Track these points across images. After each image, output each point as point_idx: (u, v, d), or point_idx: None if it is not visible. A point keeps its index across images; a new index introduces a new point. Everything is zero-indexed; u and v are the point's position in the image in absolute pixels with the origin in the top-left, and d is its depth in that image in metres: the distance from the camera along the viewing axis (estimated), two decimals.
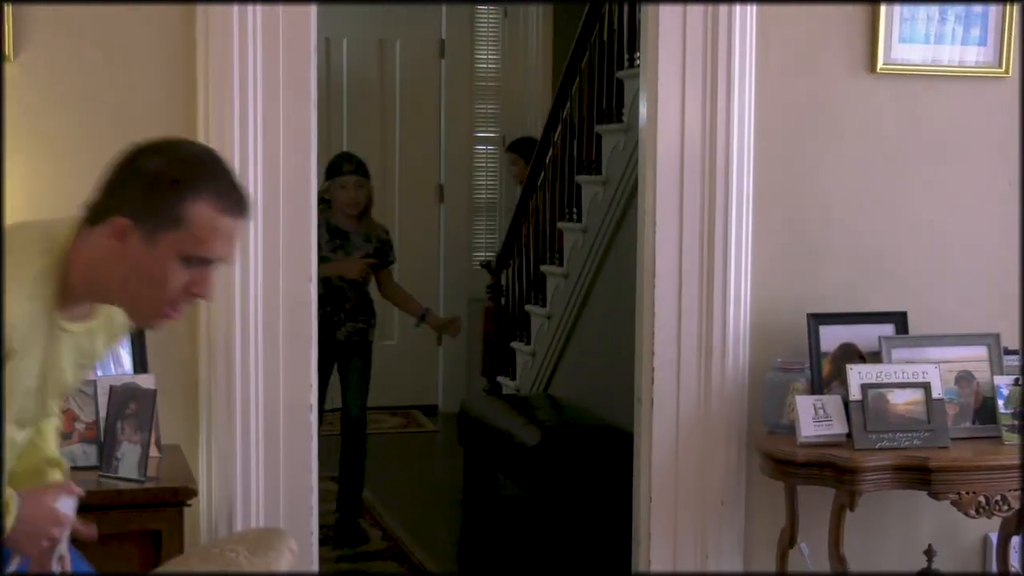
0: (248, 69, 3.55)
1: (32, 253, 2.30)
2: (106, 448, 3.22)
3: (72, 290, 2.35)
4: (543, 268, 7.18)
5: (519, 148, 7.67)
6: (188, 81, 3.56)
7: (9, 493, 2.32)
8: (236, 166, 3.52)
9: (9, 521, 2.30)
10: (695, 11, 3.84)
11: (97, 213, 2.33)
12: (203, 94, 3.54)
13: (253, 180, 3.55)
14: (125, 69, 3.54)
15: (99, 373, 3.37)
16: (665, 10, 3.84)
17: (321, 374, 5.09)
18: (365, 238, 5.96)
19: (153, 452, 3.20)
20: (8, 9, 3.41)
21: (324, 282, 5.48)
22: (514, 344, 7.63)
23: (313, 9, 3.62)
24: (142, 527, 3.11)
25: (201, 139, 3.53)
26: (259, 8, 3.54)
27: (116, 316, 2.52)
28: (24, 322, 2.24)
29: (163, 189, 2.27)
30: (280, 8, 3.56)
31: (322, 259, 5.05)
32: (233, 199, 2.36)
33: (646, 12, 3.93)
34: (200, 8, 3.51)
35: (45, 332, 2.32)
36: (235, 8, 3.51)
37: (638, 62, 4.74)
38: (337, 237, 5.86)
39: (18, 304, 2.22)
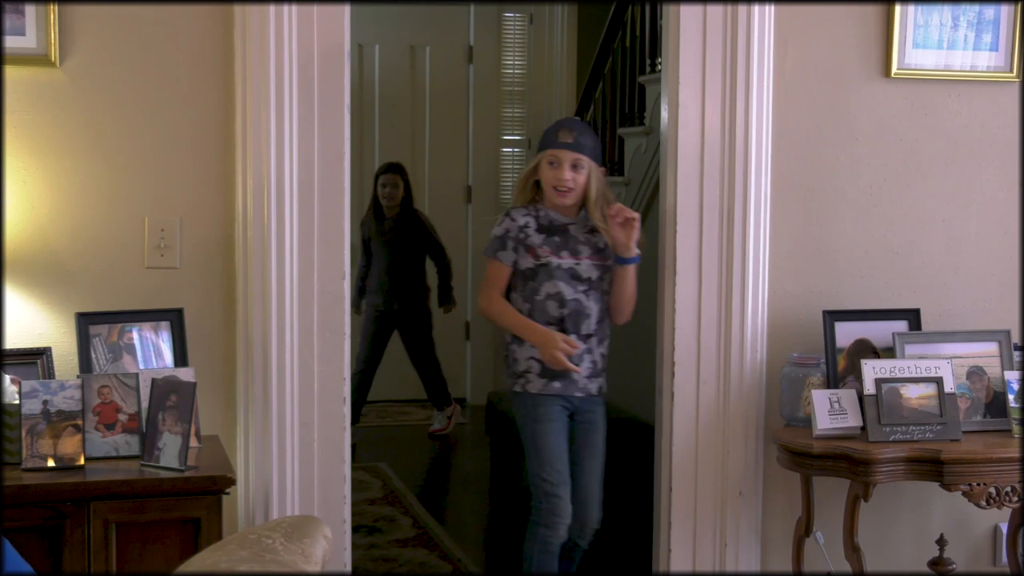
0: (284, 70, 3.55)
1: None
2: (148, 438, 3.23)
3: None
4: None
5: (399, 169, 7.43)
6: (227, 83, 3.57)
7: None
8: (272, 166, 3.54)
9: None
10: (715, 18, 3.83)
11: None
12: (240, 95, 3.55)
13: (288, 180, 3.57)
14: (165, 75, 3.55)
15: (141, 366, 3.40)
16: (686, 17, 3.83)
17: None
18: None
19: (193, 442, 3.21)
20: (54, 17, 3.43)
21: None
22: None
23: (346, 10, 3.64)
24: (182, 514, 3.12)
25: (239, 140, 3.56)
26: (294, 9, 3.55)
27: None
28: None
29: None
30: (315, 8, 3.57)
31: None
32: None
33: (667, 19, 3.93)
34: (237, 10, 3.52)
35: None
36: (271, 10, 3.52)
37: (659, 67, 4.74)
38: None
39: None
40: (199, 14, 3.54)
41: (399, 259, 7.25)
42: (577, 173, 3.86)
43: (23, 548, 3.00)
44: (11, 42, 3.41)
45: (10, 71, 3.43)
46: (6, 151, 3.45)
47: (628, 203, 6.10)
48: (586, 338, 3.94)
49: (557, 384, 3.94)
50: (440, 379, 7.73)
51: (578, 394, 4.00)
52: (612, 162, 6.51)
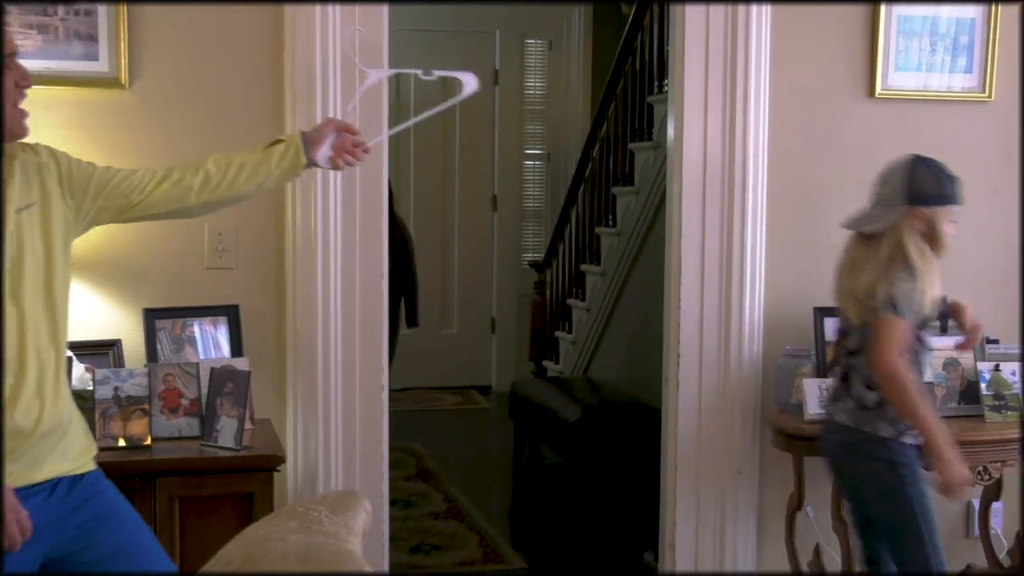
0: (329, 86, 3.56)
1: None
2: (207, 421, 3.24)
3: None
4: (583, 267, 7.18)
5: None
6: (277, 102, 3.57)
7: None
8: (319, 177, 3.54)
9: None
10: (716, 43, 3.83)
11: None
12: (290, 113, 3.54)
13: (333, 189, 3.57)
14: (221, 95, 3.56)
15: (201, 357, 3.41)
16: (690, 43, 3.83)
17: None
18: None
19: (247, 425, 3.21)
20: (124, 45, 3.44)
21: None
22: (558, 333, 7.63)
23: (384, 9, 3.64)
24: (238, 490, 3.13)
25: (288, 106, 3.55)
26: (339, 16, 3.55)
27: (16, 152, 2.50)
28: None
29: None
30: (356, 8, 3.57)
31: None
32: None
33: (673, 45, 3.92)
34: (288, 33, 3.53)
35: None
36: (317, 29, 3.52)
37: (666, 89, 4.72)
38: None
39: None
40: (252, 37, 3.55)
41: None
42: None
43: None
44: (85, 67, 3.43)
45: (85, 93, 3.45)
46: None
47: (638, 211, 6.12)
48: None
49: None
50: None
51: None
52: (624, 174, 6.50)
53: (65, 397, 2.51)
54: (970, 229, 4.06)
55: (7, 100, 2.36)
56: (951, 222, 3.22)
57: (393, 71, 3.57)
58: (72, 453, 2.53)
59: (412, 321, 6.18)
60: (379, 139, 3.32)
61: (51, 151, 2.57)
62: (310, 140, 2.81)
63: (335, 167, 2.86)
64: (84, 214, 2.61)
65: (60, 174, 2.55)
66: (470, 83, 3.32)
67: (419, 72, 3.41)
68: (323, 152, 2.82)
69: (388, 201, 5.43)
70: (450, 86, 6.61)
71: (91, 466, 2.60)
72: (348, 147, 2.85)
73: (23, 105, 2.45)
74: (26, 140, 2.53)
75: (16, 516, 2.34)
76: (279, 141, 2.81)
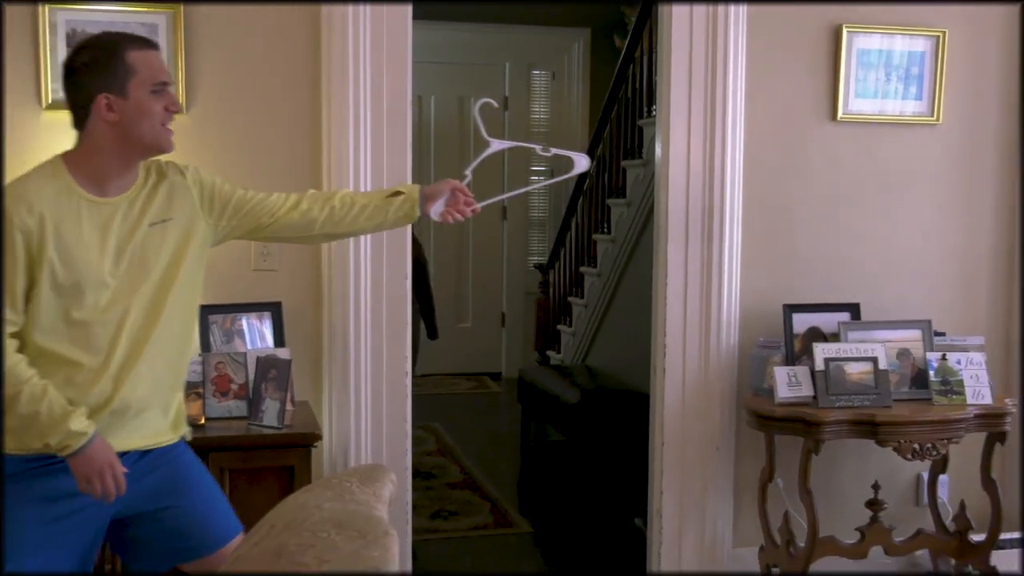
0: (360, 112, 3.56)
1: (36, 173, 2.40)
2: (253, 403, 3.25)
3: (106, 177, 2.39)
4: (582, 269, 7.17)
5: None
6: (315, 127, 3.57)
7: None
8: (351, 180, 3.55)
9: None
10: (698, 74, 3.82)
11: (77, 117, 2.39)
12: (326, 137, 3.55)
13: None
14: (265, 118, 3.56)
15: (248, 347, 3.42)
16: (675, 74, 3.83)
17: None
18: None
19: (288, 406, 3.22)
20: (182, 75, 3.44)
21: None
22: (560, 327, 7.63)
23: (408, 42, 3.62)
24: (280, 463, 3.14)
25: (324, 172, 3.56)
26: (369, 49, 3.55)
27: (167, 173, 2.54)
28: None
29: (108, 61, 2.34)
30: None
31: None
32: (143, 41, 2.43)
33: (661, 75, 3.92)
34: (324, 67, 3.53)
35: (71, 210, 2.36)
36: (351, 73, 3.53)
37: (654, 113, 4.72)
38: None
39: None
40: (290, 71, 3.55)
41: None
42: None
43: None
44: None
45: None
46: None
47: (629, 220, 6.12)
48: None
49: None
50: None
51: None
52: (617, 188, 6.49)
53: (146, 385, 2.49)
54: (920, 236, 4.08)
55: (158, 120, 2.40)
56: None
57: (513, 144, 3.52)
58: (144, 432, 2.53)
59: (432, 334, 5.92)
60: (494, 201, 3.34)
61: (197, 174, 2.59)
62: (427, 195, 2.80)
63: (444, 221, 2.85)
64: (220, 230, 2.64)
65: (202, 195, 2.57)
66: (581, 163, 3.31)
67: (537, 148, 3.44)
68: (437, 208, 2.82)
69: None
70: (463, 108, 6.45)
71: (166, 443, 2.59)
72: (460, 206, 2.86)
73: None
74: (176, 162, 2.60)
75: (112, 471, 2.36)
76: (398, 193, 2.79)
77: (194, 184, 2.57)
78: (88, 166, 2.38)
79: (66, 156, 2.41)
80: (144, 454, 2.52)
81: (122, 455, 2.43)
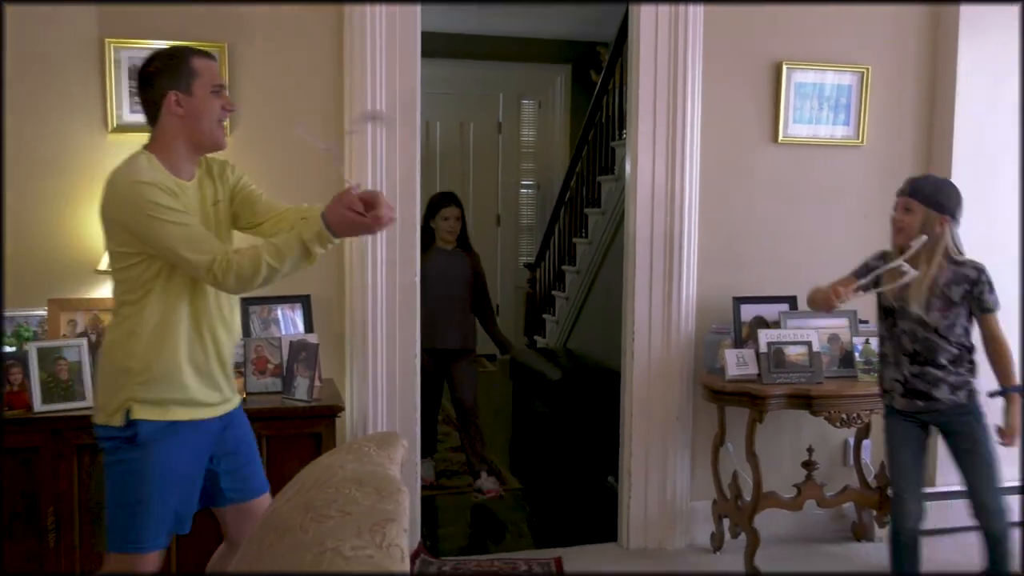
0: (379, 130, 3.55)
1: (135, 167, 2.36)
2: (287, 380, 3.25)
3: (178, 164, 2.41)
4: (563, 268, 7.18)
5: (459, 201, 4.85)
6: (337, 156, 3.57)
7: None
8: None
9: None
10: (661, 104, 3.83)
11: (151, 113, 2.42)
12: (348, 160, 3.55)
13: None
14: (296, 140, 3.56)
15: (282, 333, 3.41)
16: (642, 103, 3.83)
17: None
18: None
19: (316, 383, 3.22)
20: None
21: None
22: (545, 316, 7.64)
23: (418, 75, 3.60)
24: (309, 431, 3.14)
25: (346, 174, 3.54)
26: (385, 79, 3.54)
27: (211, 166, 2.55)
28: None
29: (177, 65, 2.38)
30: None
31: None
32: (204, 52, 2.46)
33: (630, 105, 3.92)
34: (346, 87, 3.52)
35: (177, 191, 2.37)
36: (368, 85, 3.52)
37: (624, 136, 4.72)
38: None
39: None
40: (317, 101, 3.54)
41: (451, 297, 4.64)
42: (906, 215, 2.97)
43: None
44: None
45: None
46: None
47: (604, 226, 6.11)
48: (942, 366, 3.02)
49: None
50: (479, 435, 4.80)
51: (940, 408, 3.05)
52: (594, 199, 6.50)
53: (229, 350, 2.54)
54: (847, 240, 4.09)
55: (215, 117, 2.42)
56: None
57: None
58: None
59: (504, 349, 5.11)
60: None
61: (232, 166, 2.61)
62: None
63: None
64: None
65: (233, 182, 2.59)
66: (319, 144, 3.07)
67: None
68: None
69: (468, 243, 4.72)
70: (464, 132, 6.31)
71: (237, 404, 2.62)
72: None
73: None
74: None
75: (349, 206, 2.31)
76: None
77: (231, 173, 2.59)
78: (166, 154, 2.40)
79: (150, 148, 2.42)
80: (223, 416, 2.54)
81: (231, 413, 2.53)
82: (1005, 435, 2.98)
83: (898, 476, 3.12)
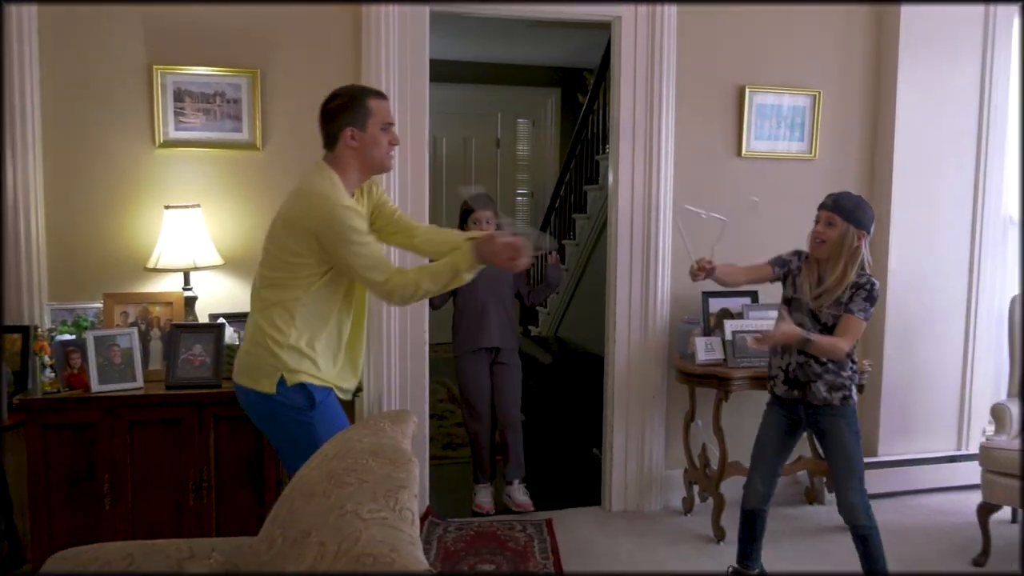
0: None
1: (326, 186, 2.40)
2: None
3: (350, 183, 2.47)
4: None
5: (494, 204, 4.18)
6: None
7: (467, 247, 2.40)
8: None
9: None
10: (640, 122, 3.82)
11: (329, 142, 2.47)
12: None
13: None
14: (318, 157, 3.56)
15: None
16: (623, 122, 3.83)
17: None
18: None
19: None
20: (258, 122, 3.42)
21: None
22: (538, 308, 7.63)
23: (426, 95, 3.60)
24: None
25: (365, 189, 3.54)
26: (396, 99, 3.54)
27: (371, 189, 2.62)
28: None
29: (355, 105, 2.43)
30: (408, 95, 3.56)
31: None
32: (378, 93, 2.51)
33: (612, 123, 3.92)
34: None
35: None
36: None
37: (607, 151, 4.72)
38: None
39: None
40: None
41: (494, 296, 4.02)
42: (828, 228, 2.83)
43: (240, 429, 3.02)
44: (235, 136, 3.43)
45: (235, 153, 3.45)
46: (232, 203, 3.46)
47: (589, 230, 6.11)
48: (824, 363, 2.88)
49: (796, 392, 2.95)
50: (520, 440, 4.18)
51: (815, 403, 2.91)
52: (580, 205, 6.49)
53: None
54: (801, 241, 4.07)
55: (384, 150, 2.47)
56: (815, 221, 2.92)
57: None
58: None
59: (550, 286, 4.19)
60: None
61: (376, 183, 2.65)
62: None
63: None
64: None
65: (376, 197, 2.65)
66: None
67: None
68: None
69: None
70: (467, 146, 6.25)
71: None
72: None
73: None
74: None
75: (504, 247, 2.37)
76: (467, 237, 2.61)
77: (378, 192, 2.66)
78: (343, 176, 2.45)
79: (332, 167, 2.45)
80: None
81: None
82: (760, 339, 2.79)
83: (757, 459, 3.03)
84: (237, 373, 2.47)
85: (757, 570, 3.14)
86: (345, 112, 2.43)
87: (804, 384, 2.90)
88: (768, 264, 3.02)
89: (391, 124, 2.49)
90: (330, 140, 2.46)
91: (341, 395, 2.53)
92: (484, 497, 4.03)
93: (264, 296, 2.43)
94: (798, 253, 3.01)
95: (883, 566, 2.88)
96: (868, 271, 2.85)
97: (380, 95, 2.50)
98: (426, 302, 3.67)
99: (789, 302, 2.96)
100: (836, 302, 2.83)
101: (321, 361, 2.41)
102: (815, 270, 2.90)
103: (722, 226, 3.19)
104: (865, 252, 2.83)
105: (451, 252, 2.46)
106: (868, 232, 2.83)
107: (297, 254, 2.36)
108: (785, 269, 2.99)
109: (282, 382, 2.36)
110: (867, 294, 2.80)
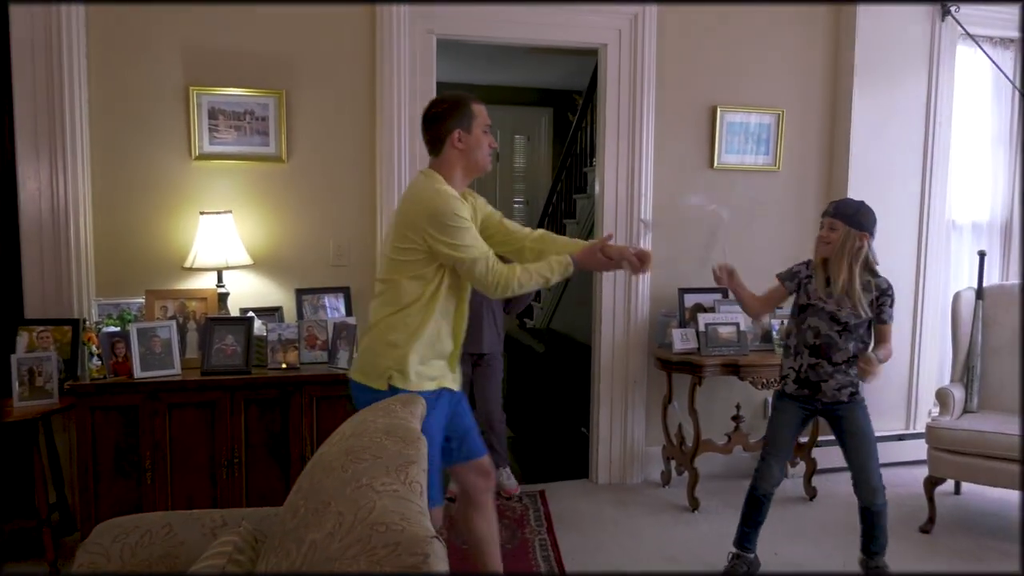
0: (403, 163, 3.53)
1: (435, 185, 2.26)
2: (331, 353, 3.23)
3: (456, 185, 2.31)
4: None
5: None
6: (372, 172, 3.54)
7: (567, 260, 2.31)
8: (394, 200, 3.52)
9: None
10: (623, 138, 3.82)
11: (435, 147, 2.30)
12: (380, 177, 3.52)
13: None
14: (339, 166, 3.54)
15: (328, 316, 3.40)
16: (608, 139, 3.82)
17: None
18: None
19: (354, 355, 3.21)
20: (283, 136, 3.41)
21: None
22: (532, 302, 7.63)
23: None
24: (348, 393, 3.11)
25: (378, 201, 3.53)
26: (407, 121, 3.52)
27: (475, 200, 2.46)
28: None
29: (461, 108, 2.30)
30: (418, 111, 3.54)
31: None
32: (477, 97, 2.36)
33: (599, 139, 3.91)
34: (379, 128, 3.50)
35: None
36: (395, 126, 3.49)
37: (594, 164, 4.71)
38: None
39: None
40: (356, 132, 3.52)
41: (489, 311, 3.79)
42: (831, 232, 2.79)
43: (268, 410, 3.01)
44: (262, 150, 3.41)
45: (262, 165, 3.43)
46: (260, 209, 3.45)
47: (577, 234, 6.09)
48: (837, 364, 2.82)
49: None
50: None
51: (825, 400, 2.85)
52: (570, 212, 6.48)
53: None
54: (766, 243, 4.08)
55: (485, 151, 2.33)
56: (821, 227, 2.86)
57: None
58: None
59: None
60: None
61: (472, 192, 2.46)
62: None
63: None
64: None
65: (472, 201, 2.44)
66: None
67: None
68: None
69: None
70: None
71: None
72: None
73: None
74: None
75: (613, 254, 2.31)
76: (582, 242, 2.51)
77: (476, 200, 2.47)
78: (448, 179, 2.30)
79: (439, 173, 2.30)
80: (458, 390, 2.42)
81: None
82: (866, 364, 2.66)
83: (773, 446, 2.90)
84: (353, 369, 2.33)
85: (753, 553, 2.97)
86: (452, 115, 2.28)
87: (815, 384, 2.84)
88: (779, 281, 2.95)
89: (489, 126, 2.36)
90: (436, 144, 2.30)
91: (452, 384, 2.34)
92: (506, 480, 3.78)
93: (380, 299, 2.30)
94: (805, 263, 2.96)
95: (886, 539, 2.84)
96: (876, 267, 2.82)
97: (479, 100, 2.35)
98: None
99: (805, 309, 2.87)
100: (859, 304, 2.76)
101: (428, 363, 2.25)
102: (822, 273, 2.84)
103: (720, 222, 3.10)
104: (870, 251, 2.79)
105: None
106: (870, 233, 2.78)
107: (410, 252, 2.21)
108: (796, 280, 2.93)
109: (392, 381, 2.22)
110: (891, 300, 2.79)
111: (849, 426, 2.81)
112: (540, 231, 2.52)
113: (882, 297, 2.79)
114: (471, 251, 2.21)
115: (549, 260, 2.31)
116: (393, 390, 2.20)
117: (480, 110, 2.34)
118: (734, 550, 2.98)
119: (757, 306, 2.96)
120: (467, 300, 2.36)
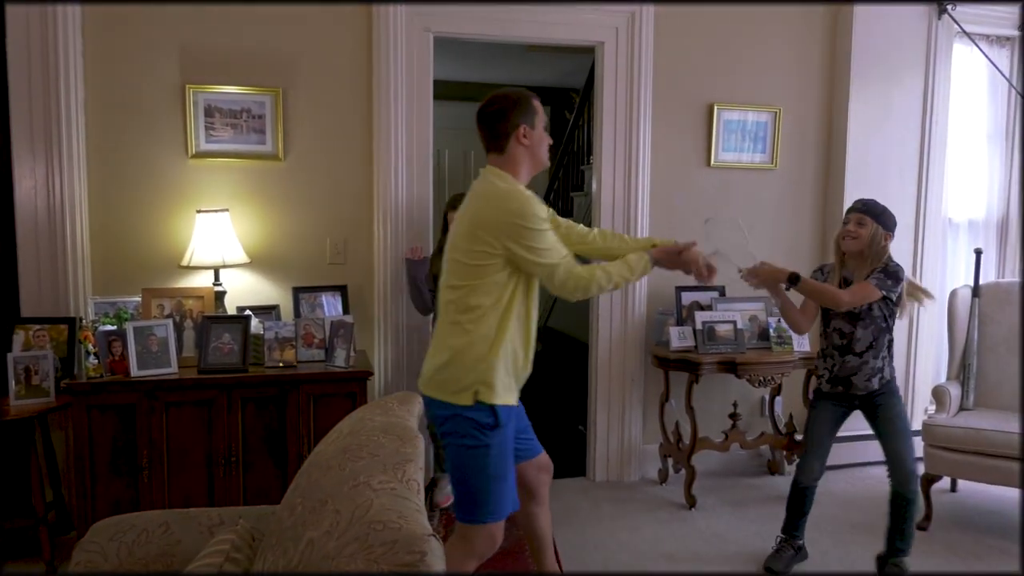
0: (400, 161, 3.53)
1: (508, 184, 2.20)
2: (329, 351, 3.22)
3: (521, 182, 2.25)
4: None
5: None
6: (368, 170, 3.54)
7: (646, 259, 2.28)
8: (391, 214, 3.51)
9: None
10: (620, 136, 3.81)
11: (499, 144, 2.23)
12: (377, 178, 3.52)
13: (397, 221, 3.54)
14: (337, 165, 3.53)
15: (326, 314, 3.39)
16: (605, 137, 3.81)
17: None
18: None
19: (352, 353, 3.20)
20: (281, 135, 3.40)
21: None
22: None
23: (431, 112, 3.58)
24: (346, 391, 3.11)
25: (376, 197, 3.52)
26: (403, 127, 3.52)
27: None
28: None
29: (525, 104, 2.25)
30: (415, 114, 3.54)
31: None
32: (536, 95, 2.29)
33: (596, 138, 3.90)
34: (375, 133, 3.50)
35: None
36: (392, 129, 3.49)
37: (591, 162, 4.71)
38: None
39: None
40: (352, 133, 3.52)
41: None
42: (860, 227, 2.81)
43: (265, 408, 3.00)
44: (259, 148, 3.40)
45: (259, 163, 3.42)
46: (257, 208, 3.44)
47: None
48: (860, 354, 2.86)
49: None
50: None
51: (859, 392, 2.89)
52: (567, 210, 6.48)
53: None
54: (764, 240, 4.08)
55: (546, 148, 2.27)
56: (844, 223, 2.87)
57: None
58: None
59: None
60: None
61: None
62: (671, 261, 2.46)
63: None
64: None
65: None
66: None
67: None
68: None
69: None
70: (467, 159, 6.30)
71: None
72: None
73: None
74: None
75: (690, 260, 2.32)
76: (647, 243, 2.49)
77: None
78: (515, 174, 2.24)
79: (505, 171, 2.23)
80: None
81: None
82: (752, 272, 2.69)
83: (811, 443, 2.95)
84: (427, 384, 2.18)
85: (801, 540, 3.03)
86: (516, 111, 2.22)
87: (846, 379, 2.87)
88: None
89: (546, 126, 2.31)
90: (499, 141, 2.22)
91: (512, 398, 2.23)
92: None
93: (452, 307, 2.16)
94: (819, 269, 2.97)
95: (913, 536, 2.86)
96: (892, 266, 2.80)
97: (538, 97, 2.30)
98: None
99: (828, 312, 2.88)
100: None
101: (502, 373, 2.14)
102: (839, 275, 2.86)
103: (734, 224, 3.01)
104: (889, 252, 2.81)
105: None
106: (892, 234, 2.82)
107: (482, 255, 2.11)
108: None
109: (480, 396, 2.10)
110: (884, 267, 2.77)
111: (885, 412, 2.84)
112: (598, 229, 2.46)
113: (878, 269, 2.77)
114: (551, 255, 2.11)
115: (627, 260, 2.25)
116: (479, 405, 2.11)
117: (540, 107, 2.30)
118: (781, 535, 3.04)
119: (798, 322, 2.90)
120: (537, 306, 2.26)
